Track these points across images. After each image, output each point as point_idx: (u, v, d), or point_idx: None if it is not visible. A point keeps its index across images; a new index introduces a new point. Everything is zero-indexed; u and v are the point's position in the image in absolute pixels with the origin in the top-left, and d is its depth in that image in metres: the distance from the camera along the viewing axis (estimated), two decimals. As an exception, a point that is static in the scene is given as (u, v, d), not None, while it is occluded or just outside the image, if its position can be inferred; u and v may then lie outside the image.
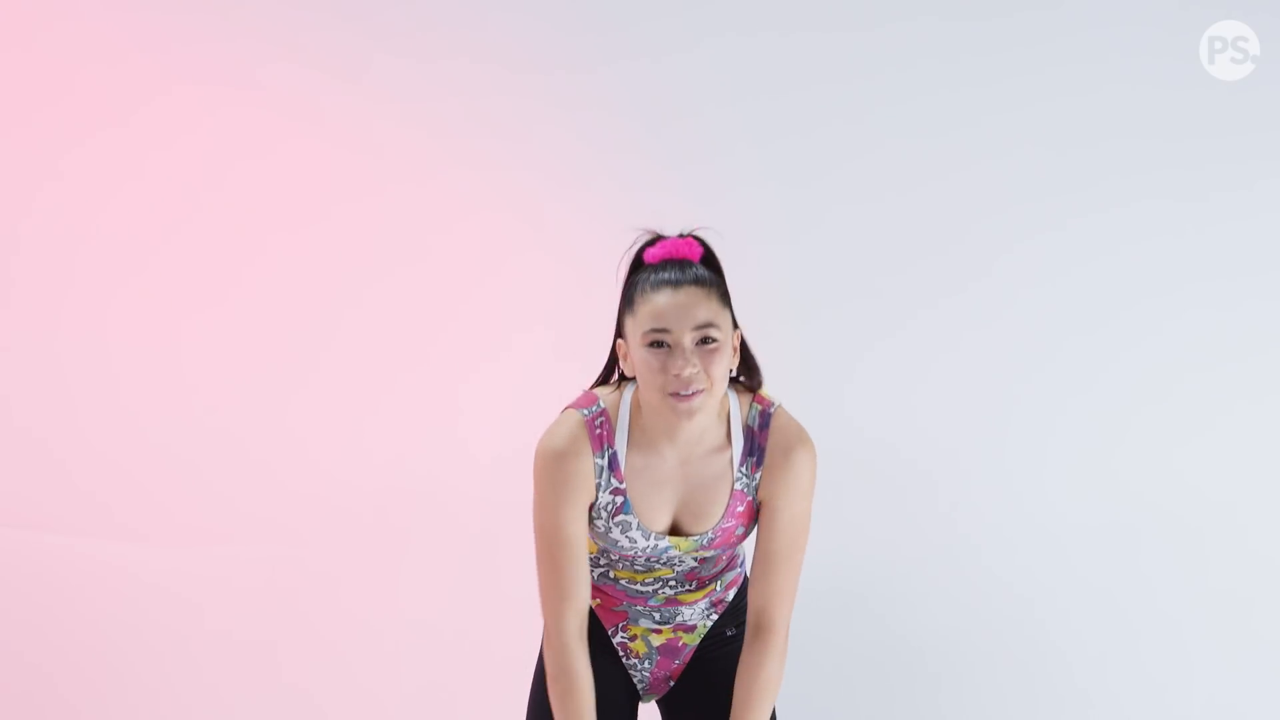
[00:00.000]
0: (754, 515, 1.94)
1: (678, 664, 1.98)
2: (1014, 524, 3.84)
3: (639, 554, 1.91)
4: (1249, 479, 3.85)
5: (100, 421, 3.77)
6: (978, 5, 3.98)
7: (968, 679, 3.77)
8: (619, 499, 1.88)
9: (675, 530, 1.93)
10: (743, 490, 1.91)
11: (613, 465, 1.88)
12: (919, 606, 3.77)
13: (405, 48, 3.84)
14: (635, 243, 1.97)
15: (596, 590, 1.98)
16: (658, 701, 2.06)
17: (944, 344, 3.91)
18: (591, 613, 1.95)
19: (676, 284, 1.86)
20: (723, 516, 1.92)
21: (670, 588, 1.96)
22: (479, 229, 3.74)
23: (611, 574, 1.95)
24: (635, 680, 1.98)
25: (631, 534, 1.89)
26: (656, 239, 1.96)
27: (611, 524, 1.89)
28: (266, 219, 3.80)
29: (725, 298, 1.92)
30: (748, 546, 2.15)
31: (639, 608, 1.95)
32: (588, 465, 1.86)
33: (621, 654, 1.96)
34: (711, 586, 1.99)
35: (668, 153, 3.84)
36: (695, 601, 1.97)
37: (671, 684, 1.99)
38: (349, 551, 3.56)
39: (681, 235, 1.95)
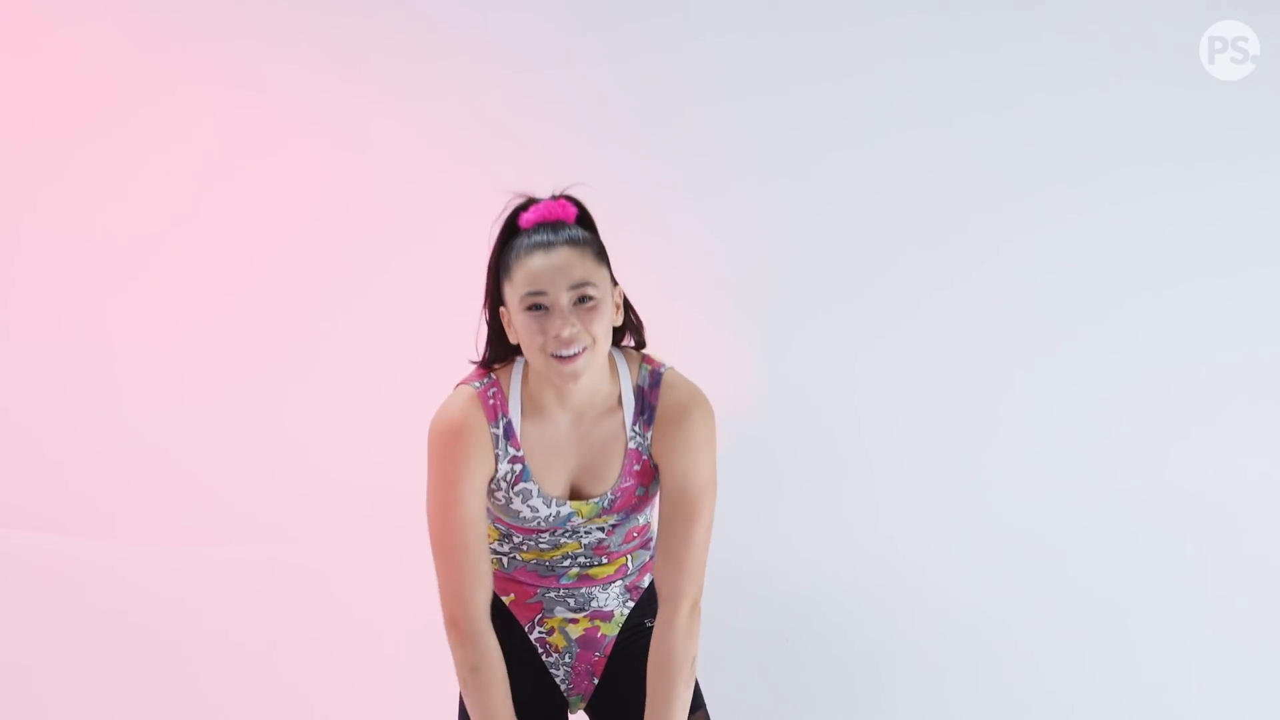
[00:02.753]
0: (652, 475, 1.87)
1: (598, 656, 1.90)
2: (1007, 520, 3.84)
3: (541, 523, 1.86)
4: (1244, 476, 3.85)
5: (97, 422, 3.76)
6: (977, 2, 4.00)
7: (957, 677, 3.77)
8: (518, 467, 1.84)
9: (575, 495, 1.87)
10: (637, 449, 1.85)
11: (508, 434, 1.84)
12: (908, 605, 3.77)
13: (403, 47, 3.83)
14: (507, 207, 1.90)
15: (508, 582, 1.92)
16: (585, 710, 1.98)
17: (937, 339, 3.92)
18: (507, 611, 1.90)
19: (549, 245, 1.82)
20: (620, 476, 1.85)
21: (579, 564, 1.90)
22: (475, 226, 3.73)
23: (518, 557, 1.88)
24: (559, 680, 1.92)
25: (532, 502, 1.84)
26: (530, 202, 1.89)
27: (512, 494, 1.84)
28: (264, 219, 3.79)
29: (601, 255, 1.86)
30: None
31: (552, 592, 1.88)
32: (484, 436, 1.83)
33: (541, 651, 1.89)
34: (622, 562, 1.91)
35: (663, 148, 3.84)
36: (609, 580, 1.90)
37: (596, 681, 1.92)
38: (346, 552, 3.55)
39: (554, 197, 1.89)
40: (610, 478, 1.86)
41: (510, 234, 1.89)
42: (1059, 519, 3.83)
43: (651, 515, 1.97)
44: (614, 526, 1.89)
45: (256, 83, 3.78)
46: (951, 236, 3.97)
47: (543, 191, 1.92)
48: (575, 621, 1.89)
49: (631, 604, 1.94)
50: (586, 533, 1.89)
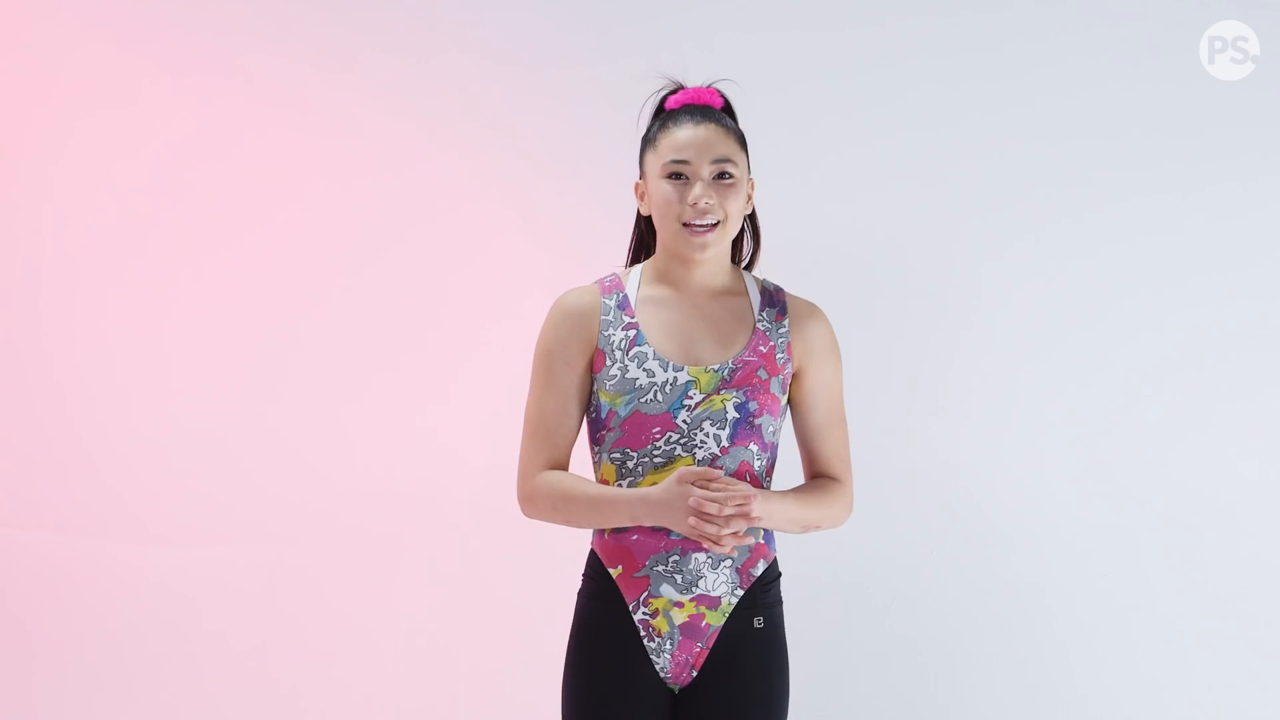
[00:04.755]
0: (776, 367, 1.96)
1: (699, 648, 1.91)
2: (1013, 520, 3.84)
3: (659, 395, 1.90)
4: (1244, 477, 3.85)
5: (90, 419, 3.73)
6: (977, 1, 3.98)
7: (967, 675, 3.77)
8: (632, 332, 1.92)
9: (694, 364, 1.92)
10: (765, 332, 1.96)
11: (623, 305, 1.94)
12: (920, 601, 3.77)
13: (396, 42, 3.79)
14: (659, 90, 2.02)
15: (618, 548, 1.95)
16: (677, 697, 1.98)
17: (943, 342, 3.91)
18: (614, 589, 1.94)
19: (697, 121, 1.95)
20: (744, 349, 1.95)
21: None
22: (467, 219, 3.64)
23: (636, 485, 1.90)
24: (659, 667, 1.93)
25: (649, 365, 1.90)
26: (679, 87, 2.03)
27: (628, 361, 1.90)
28: (250, 213, 3.75)
29: (744, 144, 1.99)
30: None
31: (660, 565, 1.89)
32: (593, 305, 1.93)
33: (643, 634, 1.91)
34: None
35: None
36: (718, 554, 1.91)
37: (694, 674, 1.92)
38: (341, 555, 3.47)
39: (705, 86, 2.00)
40: (734, 348, 1.94)
41: (657, 114, 2.01)
42: (1063, 518, 3.84)
43: (761, 451, 1.99)
44: (731, 426, 1.91)
45: (238, 71, 3.75)
46: (950, 239, 3.97)
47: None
48: (680, 605, 1.90)
49: (740, 592, 1.94)
50: (701, 443, 1.90)
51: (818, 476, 2.07)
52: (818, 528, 2.01)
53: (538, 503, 1.95)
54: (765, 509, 1.89)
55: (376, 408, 3.59)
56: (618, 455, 1.94)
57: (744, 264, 2.11)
